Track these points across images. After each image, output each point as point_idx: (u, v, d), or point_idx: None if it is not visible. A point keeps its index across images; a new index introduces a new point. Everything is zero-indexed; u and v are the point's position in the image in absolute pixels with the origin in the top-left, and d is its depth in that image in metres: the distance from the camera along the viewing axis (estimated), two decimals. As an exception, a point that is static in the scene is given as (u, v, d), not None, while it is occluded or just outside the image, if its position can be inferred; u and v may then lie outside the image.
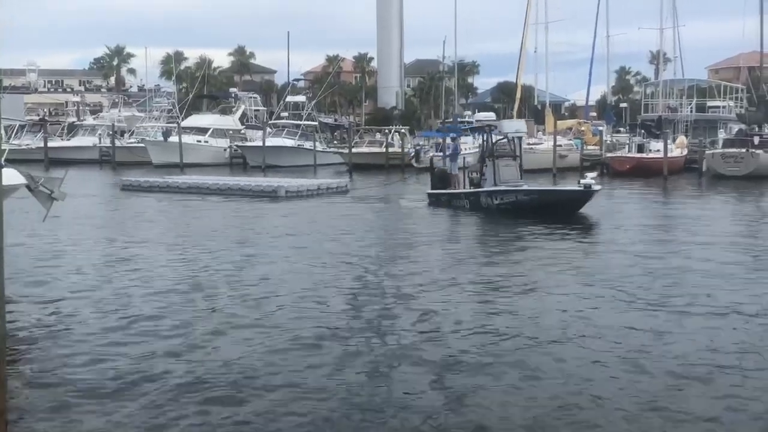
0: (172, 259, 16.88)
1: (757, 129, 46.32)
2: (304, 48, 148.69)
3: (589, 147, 52.96)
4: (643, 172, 43.59)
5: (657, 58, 71.40)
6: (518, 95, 64.02)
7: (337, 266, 15.89)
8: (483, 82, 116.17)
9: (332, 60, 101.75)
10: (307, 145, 60.19)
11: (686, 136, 52.25)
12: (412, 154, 57.20)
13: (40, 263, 15.96)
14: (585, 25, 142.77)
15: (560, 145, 50.51)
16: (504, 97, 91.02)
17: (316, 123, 67.54)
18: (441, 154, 44.53)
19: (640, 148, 48.81)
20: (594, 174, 25.38)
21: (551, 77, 67.13)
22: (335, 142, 68.53)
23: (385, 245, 19.75)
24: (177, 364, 9.30)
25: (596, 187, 24.26)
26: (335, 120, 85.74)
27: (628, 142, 52.10)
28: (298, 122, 64.94)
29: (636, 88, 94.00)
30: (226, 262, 16.39)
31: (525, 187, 26.26)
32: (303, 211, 27.23)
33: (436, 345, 10.19)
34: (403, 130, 63.84)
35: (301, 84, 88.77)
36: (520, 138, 28.67)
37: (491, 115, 42.66)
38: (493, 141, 27.58)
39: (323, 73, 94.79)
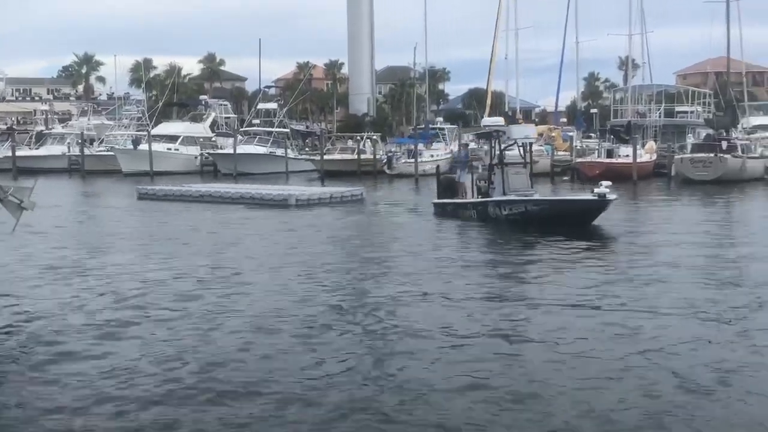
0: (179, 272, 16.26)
1: (724, 134, 46.81)
2: (275, 55, 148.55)
3: (560, 153, 53.28)
4: (613, 177, 43.58)
5: (626, 64, 72.03)
6: (489, 101, 64.31)
7: (319, 278, 15.42)
8: (454, 89, 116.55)
9: (303, 67, 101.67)
10: (279, 152, 60.01)
11: (655, 141, 52.68)
12: (384, 160, 57.29)
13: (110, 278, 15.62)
14: (554, 32, 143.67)
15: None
16: (475, 104, 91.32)
17: (288, 130, 67.28)
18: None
19: (610, 154, 49.14)
20: (608, 183, 23.29)
21: (521, 83, 67.63)
22: (307, 149, 68.42)
23: (372, 260, 17.92)
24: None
25: (611, 197, 22.62)
26: (307, 127, 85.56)
27: (597, 147, 52.46)
28: (270, 129, 64.71)
29: (605, 94, 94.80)
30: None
31: (535, 197, 24.56)
32: (308, 222, 26.36)
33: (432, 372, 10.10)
34: (374, 137, 63.87)
35: (273, 91, 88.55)
36: (530, 144, 27.44)
37: (499, 120, 40.94)
38: (501, 147, 25.70)
39: (294, 80, 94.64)
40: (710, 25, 71.95)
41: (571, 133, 58.10)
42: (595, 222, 22.94)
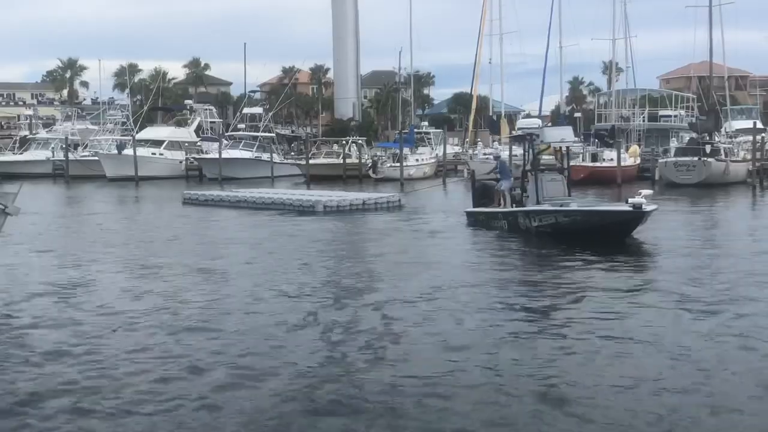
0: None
1: (707, 137, 47.13)
2: (260, 60, 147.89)
3: (545, 157, 53.40)
4: (598, 180, 44.12)
5: (609, 69, 72.36)
6: (474, 106, 64.50)
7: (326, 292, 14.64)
8: (439, 93, 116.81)
9: (288, 71, 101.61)
10: (265, 156, 60.03)
11: (639, 145, 53.02)
12: (370, 165, 57.32)
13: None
14: (538, 37, 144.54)
15: (516, 155, 50.76)
16: (460, 108, 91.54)
17: (273, 135, 67.35)
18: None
19: (594, 158, 49.39)
20: (648, 192, 21.10)
21: (506, 88, 67.62)
22: (292, 153, 68.44)
23: (360, 274, 16.64)
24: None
25: (648, 207, 20.07)
26: (292, 131, 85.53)
27: (582, 151, 52.65)
28: (255, 134, 64.70)
29: (589, 98, 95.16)
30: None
31: (568, 207, 21.66)
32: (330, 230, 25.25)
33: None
34: (360, 141, 63.92)
35: (258, 96, 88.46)
36: (567, 148, 25.03)
37: (535, 122, 39.06)
38: (536, 152, 23.70)
39: (279, 85, 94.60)
40: (693, 30, 72.29)
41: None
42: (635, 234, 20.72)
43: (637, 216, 19.95)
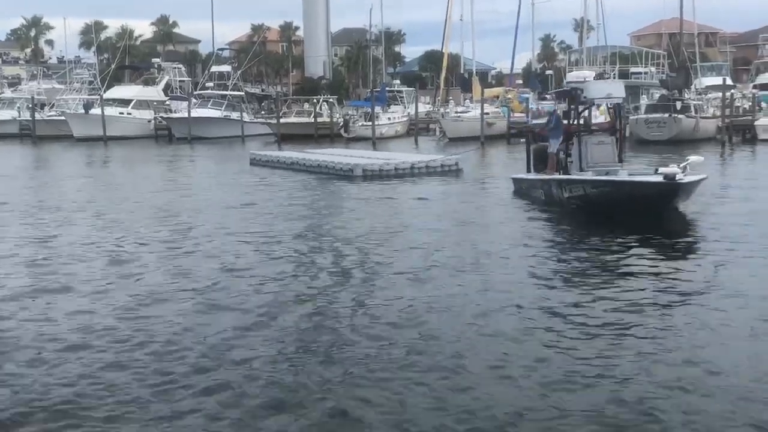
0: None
1: (678, 94, 47.23)
2: (229, 18, 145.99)
3: (516, 114, 53.47)
4: (569, 137, 44.03)
5: (581, 26, 72.26)
6: (445, 64, 64.15)
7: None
8: (410, 51, 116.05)
9: (257, 29, 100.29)
10: (234, 115, 59.47)
11: (610, 102, 52.96)
12: (341, 123, 56.99)
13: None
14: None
15: (488, 113, 50.79)
16: (431, 66, 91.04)
17: (243, 93, 66.68)
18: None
19: (565, 115, 49.31)
20: (697, 158, 17.91)
21: (477, 46, 67.36)
22: (263, 112, 67.84)
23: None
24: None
25: (686, 178, 16.72)
26: (262, 90, 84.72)
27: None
28: (224, 93, 64.05)
29: (560, 56, 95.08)
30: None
31: (599, 177, 18.51)
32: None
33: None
34: (331, 100, 63.50)
35: (226, 54, 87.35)
36: (619, 105, 21.70)
37: (586, 75, 34.91)
38: (580, 110, 21.06)
39: (248, 43, 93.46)
40: (664, -14, 72.24)
41: (526, 95, 58.24)
42: (680, 208, 17.79)
43: (672, 188, 16.60)
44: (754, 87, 59.84)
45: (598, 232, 16.01)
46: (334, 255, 14.18)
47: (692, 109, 45.88)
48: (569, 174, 19.83)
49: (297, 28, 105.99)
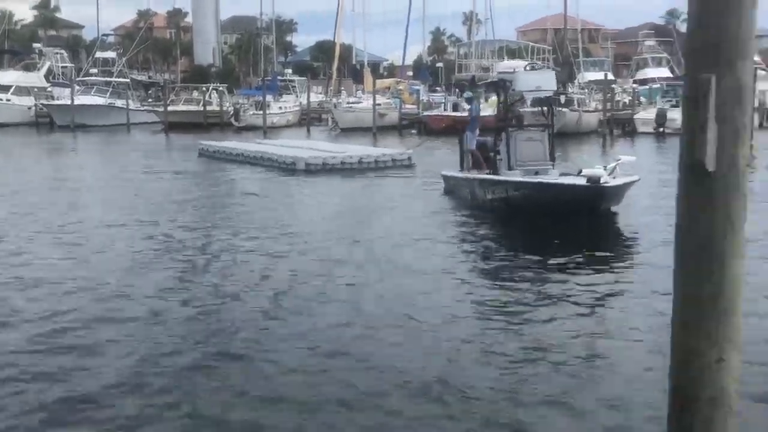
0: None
1: (562, 88, 48.56)
2: (114, 2, 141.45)
3: (407, 106, 54.04)
4: (458, 130, 44.78)
5: (470, 20, 73.49)
6: (337, 54, 64.17)
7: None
8: (302, 40, 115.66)
9: (143, 14, 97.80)
10: (119, 103, 57.91)
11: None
12: (232, 112, 56.31)
13: None
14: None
15: (380, 104, 51.12)
16: (323, 56, 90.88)
17: (128, 80, 64.95)
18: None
19: (455, 107, 50.27)
20: (628, 158, 17.05)
21: (369, 37, 67.75)
22: (150, 100, 66.20)
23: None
24: None
25: (612, 181, 15.75)
26: (149, 77, 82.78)
27: (443, 101, 53.45)
28: (109, 79, 62.17)
29: (450, 49, 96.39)
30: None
31: (521, 178, 17.46)
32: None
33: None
34: (221, 88, 62.60)
35: (111, 39, 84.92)
36: (549, 99, 20.09)
37: (515, 65, 33.98)
38: (509, 103, 19.40)
39: (135, 29, 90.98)
40: (549, -17, 74.18)
41: (417, 87, 58.89)
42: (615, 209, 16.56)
43: (597, 193, 15.54)
44: (634, 82, 62.35)
45: (513, 237, 15.50)
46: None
47: (575, 102, 47.33)
48: (498, 173, 18.43)
49: (186, 14, 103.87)
